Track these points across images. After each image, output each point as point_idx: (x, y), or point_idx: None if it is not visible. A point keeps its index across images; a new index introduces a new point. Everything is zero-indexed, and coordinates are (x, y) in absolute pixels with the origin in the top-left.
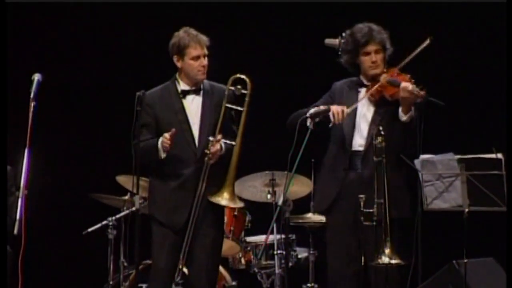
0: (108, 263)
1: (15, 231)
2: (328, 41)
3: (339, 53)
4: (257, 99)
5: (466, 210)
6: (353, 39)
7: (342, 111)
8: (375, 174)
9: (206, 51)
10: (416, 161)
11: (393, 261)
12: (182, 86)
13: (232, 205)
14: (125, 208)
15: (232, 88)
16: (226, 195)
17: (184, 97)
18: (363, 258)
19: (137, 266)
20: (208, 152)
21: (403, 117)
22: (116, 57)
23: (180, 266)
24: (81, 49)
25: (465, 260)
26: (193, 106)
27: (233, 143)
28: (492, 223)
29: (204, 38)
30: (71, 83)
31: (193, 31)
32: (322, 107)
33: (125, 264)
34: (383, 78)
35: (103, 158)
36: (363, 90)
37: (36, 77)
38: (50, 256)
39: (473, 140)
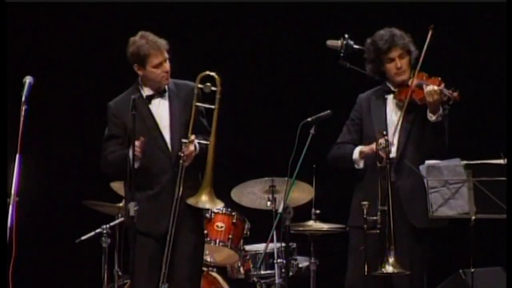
0: (102, 273)
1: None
2: (330, 42)
3: (341, 54)
4: (257, 103)
5: (473, 217)
6: (375, 47)
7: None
8: (408, 182)
9: (166, 55)
10: (422, 167)
11: (397, 271)
12: (146, 91)
13: (211, 207)
14: (119, 215)
15: (201, 86)
16: (204, 197)
17: (150, 102)
18: (366, 267)
19: (131, 276)
20: (182, 154)
21: (432, 117)
22: (110, 61)
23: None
24: (74, 52)
25: (472, 270)
26: (160, 110)
27: (207, 142)
28: (500, 231)
29: (163, 43)
30: (64, 86)
31: (150, 37)
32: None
33: (120, 273)
34: (412, 81)
35: (96, 164)
36: (390, 97)
37: (28, 80)
38: (42, 265)
39: (480, 145)
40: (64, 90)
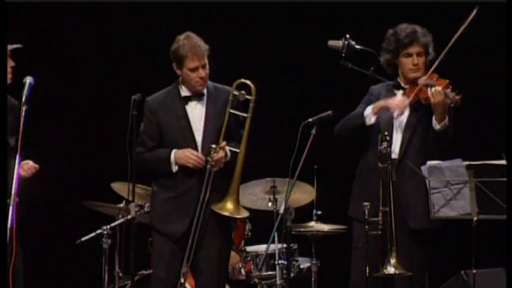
0: (102, 274)
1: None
2: (332, 43)
3: (343, 55)
4: (258, 104)
5: (475, 218)
6: (396, 38)
7: (402, 104)
8: (410, 183)
9: (205, 61)
10: (423, 168)
11: (398, 272)
12: (185, 91)
13: (235, 216)
14: (120, 216)
15: (236, 93)
16: (229, 205)
17: (187, 103)
18: (367, 268)
19: (132, 277)
20: (210, 159)
21: (437, 126)
22: (111, 60)
23: (182, 280)
24: (75, 52)
25: (474, 271)
26: (196, 112)
27: (237, 150)
28: (502, 232)
29: (202, 48)
30: (64, 86)
31: (193, 39)
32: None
33: (120, 274)
34: (421, 80)
35: (97, 165)
36: (399, 93)
37: (28, 80)
38: (42, 266)
39: (482, 146)
40: (65, 90)
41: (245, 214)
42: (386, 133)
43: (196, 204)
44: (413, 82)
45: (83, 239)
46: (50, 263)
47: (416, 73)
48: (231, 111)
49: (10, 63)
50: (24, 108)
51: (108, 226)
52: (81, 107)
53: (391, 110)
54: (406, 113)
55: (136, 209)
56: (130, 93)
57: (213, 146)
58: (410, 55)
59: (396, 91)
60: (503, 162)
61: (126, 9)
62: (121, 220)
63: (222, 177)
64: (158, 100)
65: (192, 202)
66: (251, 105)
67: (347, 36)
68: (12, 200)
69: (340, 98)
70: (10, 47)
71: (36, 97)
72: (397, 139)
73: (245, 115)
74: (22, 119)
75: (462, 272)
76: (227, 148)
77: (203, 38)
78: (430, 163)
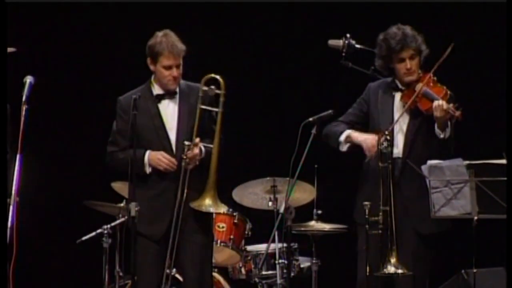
0: (103, 273)
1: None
2: (332, 42)
3: (343, 54)
4: (259, 103)
5: (475, 217)
6: (387, 45)
7: (374, 147)
8: (412, 184)
9: (179, 61)
10: (424, 167)
11: (399, 271)
12: (157, 90)
13: (214, 211)
14: (120, 215)
15: (206, 88)
16: (207, 200)
17: (159, 101)
18: (367, 268)
19: (133, 276)
20: (185, 157)
21: (441, 135)
22: (111, 60)
23: (165, 277)
24: (75, 51)
25: (474, 270)
26: (169, 110)
27: (211, 145)
28: (502, 231)
29: (179, 47)
30: (64, 86)
31: (171, 38)
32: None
33: (121, 274)
34: (419, 87)
35: (97, 164)
36: (397, 95)
37: (28, 79)
38: (42, 265)
39: (482, 145)
40: (65, 90)
41: (223, 209)
42: (386, 132)
43: (174, 204)
44: (410, 85)
45: (83, 238)
46: (50, 262)
47: (411, 77)
48: (202, 107)
49: None
50: (24, 108)
51: (109, 226)
52: (81, 106)
53: (364, 148)
54: (407, 117)
55: (136, 208)
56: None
57: (187, 143)
58: (402, 60)
59: (394, 93)
60: (503, 161)
61: (127, 9)
62: (122, 219)
63: (198, 175)
64: (130, 99)
65: (170, 202)
66: (221, 99)
67: (348, 35)
68: (13, 199)
69: (341, 97)
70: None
71: (37, 96)
72: (399, 140)
73: (216, 109)
74: (22, 119)
75: (463, 271)
76: (201, 144)
77: (202, 38)
78: (430, 162)
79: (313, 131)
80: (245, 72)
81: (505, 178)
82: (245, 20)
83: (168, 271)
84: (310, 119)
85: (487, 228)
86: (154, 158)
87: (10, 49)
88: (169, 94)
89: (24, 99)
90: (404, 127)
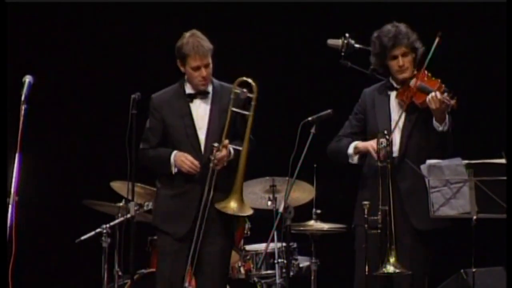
0: (102, 272)
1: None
2: (331, 41)
3: (342, 54)
4: (258, 103)
5: (475, 217)
6: (380, 42)
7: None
8: (410, 182)
9: (208, 61)
10: (423, 167)
11: (398, 270)
12: (189, 89)
13: (240, 214)
14: (119, 215)
15: (238, 91)
16: (233, 203)
17: (191, 100)
18: (366, 267)
19: (132, 276)
20: (212, 158)
21: (439, 127)
22: (110, 59)
23: (187, 276)
24: (74, 50)
25: (474, 269)
26: (200, 110)
27: (240, 148)
28: (501, 231)
29: (205, 47)
30: (64, 85)
31: (197, 38)
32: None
33: (120, 273)
34: (413, 83)
35: (97, 163)
36: (393, 94)
37: (28, 79)
38: (41, 264)
39: (481, 144)
40: (64, 89)
41: (249, 212)
42: (385, 131)
43: (199, 203)
44: (404, 83)
45: (82, 238)
46: (49, 262)
47: (404, 74)
48: (233, 109)
49: None
50: (23, 107)
51: (108, 225)
52: (80, 106)
53: (372, 154)
54: (403, 114)
55: (135, 208)
56: (129, 92)
57: (215, 144)
58: (395, 57)
59: (389, 92)
60: (503, 161)
61: (126, 8)
62: (121, 219)
63: (225, 176)
64: (163, 97)
65: (194, 201)
66: (252, 103)
67: (347, 35)
68: (12, 199)
69: (340, 96)
70: None
71: (36, 95)
72: (396, 137)
73: (246, 113)
74: (21, 118)
75: (462, 271)
76: (230, 146)
77: (205, 37)
78: (430, 162)
79: (312, 130)
80: (244, 72)
81: (505, 178)
82: (243, 20)
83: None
84: (309, 118)
85: (486, 227)
86: (179, 159)
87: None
88: (201, 93)
89: (23, 99)
90: (401, 124)
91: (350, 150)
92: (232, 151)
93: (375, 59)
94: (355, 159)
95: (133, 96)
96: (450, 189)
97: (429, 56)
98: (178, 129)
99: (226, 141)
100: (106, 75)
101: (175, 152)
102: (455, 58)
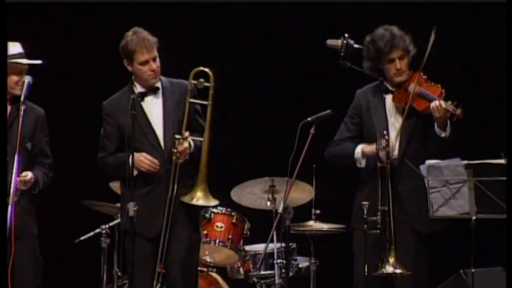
0: (101, 273)
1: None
2: (330, 42)
3: (341, 54)
4: (257, 103)
5: (474, 217)
6: (375, 46)
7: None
8: (410, 183)
9: (155, 54)
10: (422, 167)
11: (397, 271)
12: (139, 88)
13: (206, 204)
14: (118, 215)
15: (194, 82)
16: (199, 194)
17: (142, 99)
18: (366, 267)
19: (130, 276)
20: (175, 150)
21: (442, 134)
22: (109, 59)
23: (158, 273)
24: (73, 52)
25: (473, 270)
26: (153, 107)
27: (201, 139)
28: (500, 231)
29: (151, 41)
30: (62, 85)
31: (141, 33)
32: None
33: (119, 274)
34: (412, 87)
35: (96, 164)
36: (388, 97)
37: (27, 79)
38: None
39: (480, 145)
40: (63, 89)
41: (214, 202)
42: (385, 132)
43: (165, 199)
44: (400, 86)
45: (81, 238)
46: (48, 262)
47: (401, 77)
48: (191, 100)
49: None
50: (22, 107)
51: (107, 226)
52: (79, 106)
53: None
54: (400, 117)
55: (134, 208)
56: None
57: (177, 136)
58: (392, 60)
59: (385, 95)
60: (502, 161)
61: (125, 8)
62: (120, 219)
63: (188, 170)
64: (114, 102)
65: (161, 199)
66: (210, 92)
67: (346, 35)
68: (11, 199)
69: (339, 97)
70: (25, 61)
71: (35, 96)
72: (396, 143)
73: (205, 102)
74: (20, 119)
75: (461, 271)
76: (190, 138)
77: (200, 37)
78: (429, 162)
79: (312, 130)
80: (243, 72)
81: (504, 178)
82: (243, 20)
83: (158, 269)
84: (309, 119)
85: (485, 228)
86: (137, 159)
87: (33, 62)
88: (151, 91)
89: (22, 99)
90: (398, 127)
91: (358, 154)
92: (192, 143)
93: (369, 63)
94: (363, 163)
95: (132, 96)
96: (450, 189)
97: (426, 54)
98: (135, 130)
99: (187, 133)
100: (105, 75)
101: (136, 158)
102: (455, 58)
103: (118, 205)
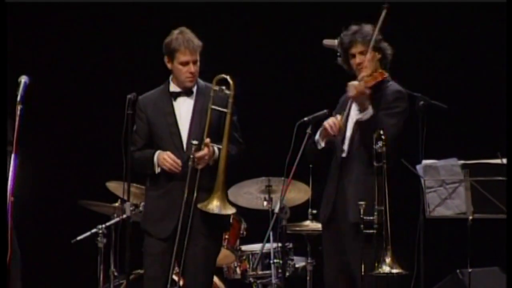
0: (98, 273)
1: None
2: (327, 41)
3: (338, 54)
4: (254, 103)
5: (470, 217)
6: (340, 41)
7: (335, 122)
8: (351, 177)
9: (196, 57)
10: (418, 167)
11: (394, 271)
12: (173, 88)
13: (222, 212)
14: (115, 215)
15: (216, 88)
16: (215, 202)
17: (175, 99)
18: (363, 266)
19: (127, 276)
20: (192, 156)
21: (358, 115)
22: (106, 59)
23: (173, 276)
24: (70, 51)
25: (469, 270)
26: (184, 108)
27: (220, 146)
28: (497, 231)
29: (195, 43)
30: (59, 85)
31: (187, 34)
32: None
33: (116, 273)
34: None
35: (92, 164)
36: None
37: (23, 79)
38: (37, 265)
39: (477, 145)
40: (60, 89)
41: (231, 211)
42: (381, 132)
43: (181, 203)
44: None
45: (78, 238)
46: (45, 262)
47: (361, 73)
48: (213, 107)
49: None
50: (19, 108)
51: (104, 225)
52: (76, 106)
53: (327, 129)
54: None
55: (131, 208)
56: (125, 92)
57: (194, 142)
58: (353, 55)
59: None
60: (498, 161)
61: (121, 8)
62: (116, 219)
63: (209, 176)
64: (149, 98)
65: (176, 201)
66: (230, 100)
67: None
68: (8, 199)
69: (335, 96)
70: None
71: (31, 96)
72: (346, 137)
73: (225, 110)
74: (17, 118)
75: (458, 271)
76: (215, 146)
77: (199, 36)
78: (425, 162)
79: (308, 130)
80: (239, 72)
81: (500, 178)
82: (240, 20)
83: (175, 271)
84: (305, 118)
85: (482, 228)
86: (161, 157)
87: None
88: (186, 92)
89: (19, 99)
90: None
91: (316, 136)
92: (216, 150)
93: (340, 58)
94: (322, 143)
95: (128, 96)
96: (446, 189)
97: (376, 31)
98: (161, 127)
99: (208, 140)
100: (102, 75)
101: (158, 151)
102: (453, 58)
103: (115, 205)
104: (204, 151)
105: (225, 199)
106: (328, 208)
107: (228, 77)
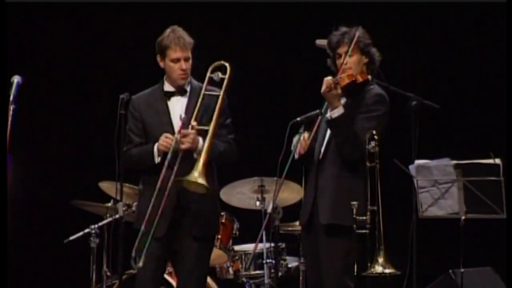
0: (90, 273)
1: None
2: (319, 42)
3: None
4: (247, 103)
5: (463, 217)
6: (329, 40)
7: (301, 143)
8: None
9: (188, 54)
10: (411, 167)
11: (387, 271)
12: (167, 87)
13: (197, 181)
14: (108, 215)
15: (212, 75)
16: (195, 173)
17: (169, 98)
18: (355, 267)
19: (120, 276)
20: (178, 134)
21: (327, 114)
22: (99, 59)
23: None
24: (63, 51)
25: (462, 270)
26: (177, 107)
27: (207, 127)
28: (490, 231)
29: (187, 40)
30: (52, 85)
31: (178, 32)
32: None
33: (108, 273)
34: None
35: (85, 164)
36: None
37: (16, 79)
38: (29, 265)
39: (470, 145)
40: (53, 89)
41: (203, 182)
42: (374, 132)
43: (176, 202)
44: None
45: (71, 238)
46: (37, 262)
47: (344, 73)
48: (206, 92)
49: None
50: (12, 107)
51: (96, 225)
52: (69, 106)
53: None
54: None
55: (124, 208)
56: (118, 92)
57: (183, 116)
58: (340, 56)
59: None
60: (491, 161)
61: (114, 8)
62: (109, 219)
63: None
64: (142, 97)
65: (172, 201)
66: (225, 82)
67: None
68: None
69: None
70: None
71: (24, 96)
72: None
73: (216, 93)
74: (10, 118)
75: (450, 271)
76: (201, 139)
77: (199, 36)
78: (418, 162)
79: (301, 130)
80: (235, 70)
81: (493, 178)
82: (234, 20)
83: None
84: (298, 118)
85: (474, 228)
86: (159, 141)
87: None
88: (179, 91)
89: (12, 99)
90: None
91: (292, 146)
92: (201, 141)
93: (329, 59)
94: (296, 155)
95: (121, 96)
96: (439, 189)
97: (352, 45)
98: (156, 127)
99: (194, 123)
100: (95, 75)
101: (157, 143)
102: (453, 58)
103: (108, 205)
104: (191, 131)
105: (204, 173)
106: (307, 211)
107: (225, 62)
